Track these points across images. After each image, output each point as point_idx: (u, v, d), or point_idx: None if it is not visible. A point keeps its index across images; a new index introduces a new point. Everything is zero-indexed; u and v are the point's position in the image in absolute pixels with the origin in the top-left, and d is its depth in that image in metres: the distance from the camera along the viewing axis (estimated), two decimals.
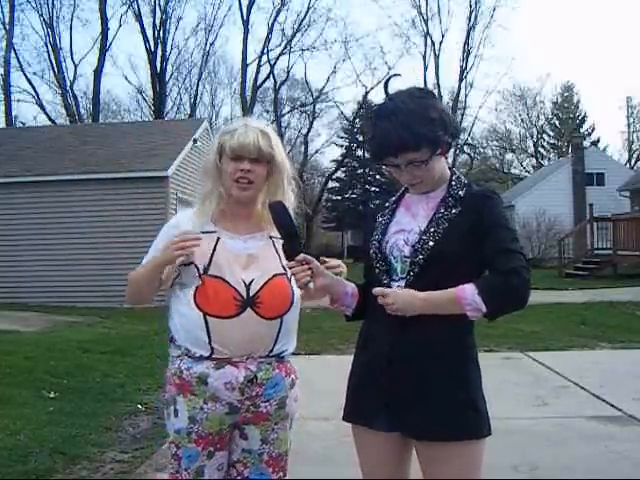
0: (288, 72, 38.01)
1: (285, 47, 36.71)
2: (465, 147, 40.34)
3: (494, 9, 42.12)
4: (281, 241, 1.90)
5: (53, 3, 34.29)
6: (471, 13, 36.70)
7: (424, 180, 1.88)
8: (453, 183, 1.91)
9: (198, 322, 1.96)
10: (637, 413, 4.77)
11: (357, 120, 38.26)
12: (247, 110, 34.07)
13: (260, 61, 36.73)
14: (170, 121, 27.29)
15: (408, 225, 1.91)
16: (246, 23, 36.16)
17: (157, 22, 35.22)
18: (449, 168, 1.94)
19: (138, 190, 13.50)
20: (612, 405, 5.05)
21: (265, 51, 36.68)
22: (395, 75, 1.98)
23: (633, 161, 41.89)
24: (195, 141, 15.53)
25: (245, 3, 36.05)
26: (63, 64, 34.72)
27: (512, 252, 1.77)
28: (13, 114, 33.51)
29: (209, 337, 1.96)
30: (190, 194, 13.55)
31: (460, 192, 1.88)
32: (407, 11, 60.24)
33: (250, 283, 1.99)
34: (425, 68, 37.13)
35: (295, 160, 34.68)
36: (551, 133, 44.77)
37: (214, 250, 2.01)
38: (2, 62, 32.53)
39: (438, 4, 37.28)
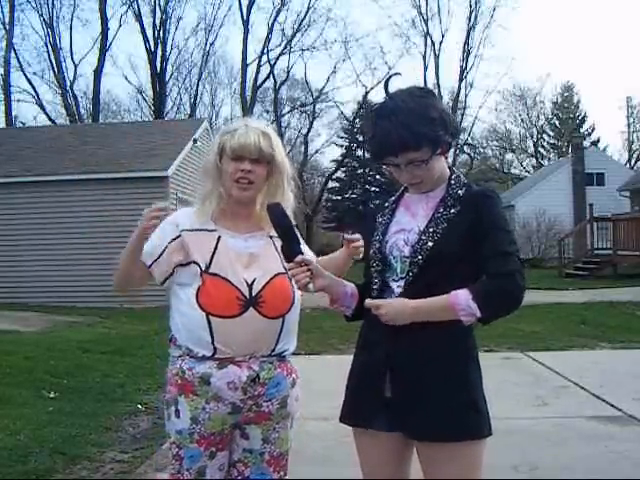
0: (288, 72, 38.08)
1: (285, 47, 36.76)
2: (465, 147, 40.35)
3: (494, 9, 42.15)
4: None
5: (53, 3, 34.35)
6: (471, 13, 36.77)
7: (424, 180, 1.88)
8: (452, 182, 1.90)
9: (201, 322, 1.96)
10: (637, 413, 4.77)
11: (357, 120, 38.24)
12: (247, 110, 34.08)
13: (260, 61, 36.78)
14: (170, 121, 27.30)
15: (408, 225, 1.90)
16: (246, 23, 36.20)
17: (157, 22, 35.28)
18: (449, 167, 1.94)
19: (138, 190, 13.49)
20: (612, 405, 5.05)
21: (265, 51, 36.74)
22: (395, 74, 1.97)
23: (633, 161, 41.90)
24: (195, 141, 15.54)
25: (245, 3, 36.12)
26: (63, 64, 34.79)
27: (508, 255, 1.77)
28: (13, 114, 33.57)
29: (212, 337, 1.95)
30: (190, 194, 13.54)
31: (459, 191, 1.88)
32: (407, 11, 60.31)
33: (252, 283, 1.99)
34: (425, 68, 37.21)
35: (295, 160, 34.70)
36: (551, 133, 44.76)
37: (215, 248, 2.01)
38: (2, 62, 32.55)
39: (438, 4, 37.35)
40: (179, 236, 2.04)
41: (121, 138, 16.02)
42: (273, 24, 36.27)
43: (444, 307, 1.74)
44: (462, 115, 37.27)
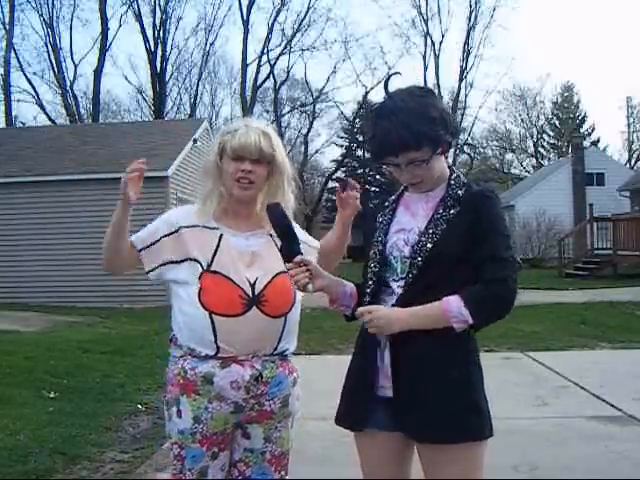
0: (288, 72, 38.10)
1: (285, 47, 36.79)
2: (465, 147, 40.36)
3: (494, 9, 42.21)
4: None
5: (53, 3, 34.38)
6: (471, 13, 36.81)
7: (424, 179, 1.87)
8: (452, 182, 1.90)
9: (204, 321, 1.96)
10: (637, 413, 4.77)
11: (357, 120, 38.27)
12: (247, 110, 34.09)
13: (260, 61, 36.80)
14: (170, 121, 27.30)
15: (408, 224, 1.90)
16: (246, 23, 36.21)
17: (157, 22, 35.30)
18: (448, 167, 1.93)
19: None
20: (612, 405, 5.05)
21: (265, 51, 36.76)
22: (395, 74, 1.96)
23: (633, 161, 41.93)
24: (195, 141, 15.54)
25: (245, 3, 36.14)
26: (63, 64, 34.81)
27: (503, 261, 1.77)
28: (13, 114, 33.58)
29: (215, 336, 1.95)
30: (190, 194, 13.55)
31: (459, 191, 1.87)
32: (407, 11, 60.37)
33: (255, 282, 1.99)
34: (425, 68, 37.24)
35: (295, 160, 34.70)
36: (551, 133, 44.77)
37: (217, 247, 2.01)
38: (2, 62, 32.56)
39: (438, 4, 37.39)
40: (174, 232, 2.03)
41: (121, 138, 16.01)
42: (273, 24, 36.34)
43: (436, 315, 1.75)
44: (462, 115, 37.29)
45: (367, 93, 36.82)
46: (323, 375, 5.53)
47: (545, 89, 64.58)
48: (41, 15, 34.08)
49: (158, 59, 35.61)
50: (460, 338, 1.81)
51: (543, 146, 45.06)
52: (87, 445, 4.20)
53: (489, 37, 52.36)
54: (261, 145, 2.03)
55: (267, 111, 39.25)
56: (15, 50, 33.37)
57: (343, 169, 40.91)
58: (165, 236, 2.04)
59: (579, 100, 44.93)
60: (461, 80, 37.36)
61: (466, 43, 36.96)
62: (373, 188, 39.43)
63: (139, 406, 5.26)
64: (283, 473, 2.11)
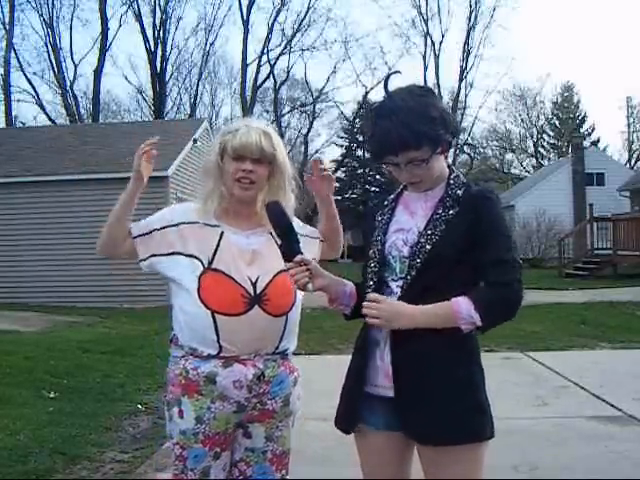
0: (288, 72, 38.11)
1: (285, 47, 36.80)
2: (465, 147, 40.36)
3: (494, 9, 42.44)
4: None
5: (53, 3, 34.41)
6: (471, 13, 36.85)
7: (424, 179, 1.87)
8: (451, 182, 1.89)
9: (206, 320, 1.95)
10: (637, 413, 4.76)
11: (357, 120, 38.26)
12: (247, 110, 34.10)
13: (260, 61, 36.81)
14: (170, 121, 27.28)
15: (407, 224, 1.90)
16: (246, 23, 36.23)
17: (157, 22, 35.32)
18: (448, 167, 1.93)
19: None
20: (612, 405, 5.04)
21: (265, 51, 36.77)
22: (395, 72, 1.96)
23: (633, 161, 41.91)
24: (195, 141, 15.54)
25: (245, 3, 36.16)
26: (63, 64, 34.83)
27: (507, 263, 1.77)
28: (13, 114, 33.60)
29: (217, 335, 1.95)
30: (190, 194, 13.53)
31: (458, 191, 1.86)
32: (407, 11, 60.42)
33: (256, 281, 1.99)
34: (425, 68, 37.28)
35: (295, 160, 34.67)
36: (551, 133, 44.76)
37: (218, 244, 2.01)
38: (2, 62, 32.57)
39: (438, 4, 37.44)
40: (168, 227, 2.04)
41: (121, 138, 15.99)
42: (273, 24, 36.36)
43: (445, 315, 1.74)
44: (462, 115, 37.29)
45: (367, 93, 36.90)
46: (323, 375, 5.53)
47: (545, 89, 64.70)
48: (41, 15, 34.16)
49: (158, 59, 35.65)
50: (465, 338, 1.81)
51: (543, 146, 45.06)
52: (87, 445, 4.20)
53: (489, 37, 52.53)
54: (262, 145, 2.03)
55: (267, 111, 39.31)
56: (15, 50, 33.46)
57: (343, 169, 40.89)
58: (157, 230, 2.05)
59: (579, 100, 44.99)
60: (461, 80, 37.43)
61: (466, 43, 37.04)
62: (373, 188, 39.44)
63: (139, 406, 5.26)
64: (284, 472, 2.11)
